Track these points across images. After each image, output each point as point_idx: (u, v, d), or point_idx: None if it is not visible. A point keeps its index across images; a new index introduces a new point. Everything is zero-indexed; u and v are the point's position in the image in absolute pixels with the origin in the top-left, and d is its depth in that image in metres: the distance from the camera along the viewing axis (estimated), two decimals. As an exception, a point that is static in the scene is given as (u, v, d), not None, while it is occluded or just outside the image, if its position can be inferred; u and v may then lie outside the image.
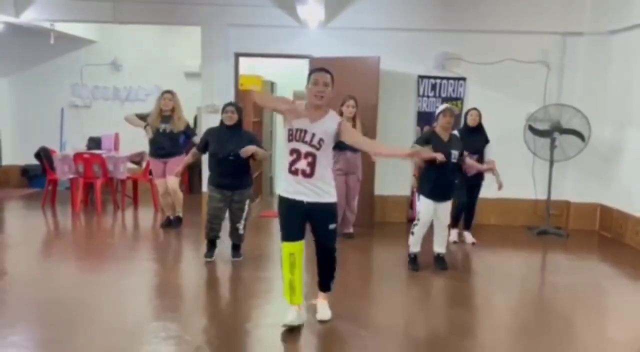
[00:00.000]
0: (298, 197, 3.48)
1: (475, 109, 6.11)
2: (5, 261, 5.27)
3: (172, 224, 6.47)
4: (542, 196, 6.89)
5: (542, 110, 6.65)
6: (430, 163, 4.77)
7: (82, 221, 6.95)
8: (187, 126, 6.31)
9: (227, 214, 5.13)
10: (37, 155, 7.91)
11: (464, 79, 6.97)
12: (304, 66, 7.05)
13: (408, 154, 3.74)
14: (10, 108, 9.03)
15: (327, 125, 3.47)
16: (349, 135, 3.56)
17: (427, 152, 4.21)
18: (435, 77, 6.96)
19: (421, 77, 6.96)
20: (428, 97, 6.99)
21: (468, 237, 6.20)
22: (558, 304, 4.44)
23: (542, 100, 6.87)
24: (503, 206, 7.05)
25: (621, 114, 6.55)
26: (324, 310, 3.76)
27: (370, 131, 6.52)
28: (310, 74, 3.51)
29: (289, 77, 8.69)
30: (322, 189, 3.48)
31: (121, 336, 3.48)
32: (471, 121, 5.99)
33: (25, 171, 8.97)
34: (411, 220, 6.53)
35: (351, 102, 5.92)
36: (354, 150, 5.98)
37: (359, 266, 5.40)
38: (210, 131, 5.12)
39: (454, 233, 6.13)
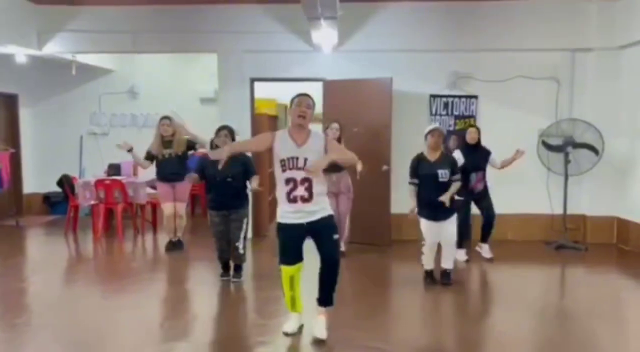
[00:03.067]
0: (298, 221, 3.62)
1: (473, 126, 6.22)
2: (31, 285, 5.39)
3: (176, 247, 6.61)
4: (558, 211, 6.92)
5: (554, 126, 6.73)
6: (421, 184, 4.96)
7: (104, 245, 7.07)
8: (188, 142, 6.49)
9: None
10: (60, 182, 8.09)
11: (475, 97, 7.09)
12: (317, 89, 7.22)
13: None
14: (31, 138, 9.25)
15: (315, 145, 3.63)
16: (335, 150, 3.72)
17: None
18: (447, 96, 7.09)
19: (433, 96, 7.09)
20: (441, 115, 7.10)
21: (485, 251, 6.19)
22: (580, 318, 4.46)
23: (554, 115, 6.95)
24: (519, 221, 7.09)
25: (633, 126, 6.61)
26: (321, 328, 3.77)
27: (385, 151, 6.66)
28: (293, 98, 3.68)
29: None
30: (318, 208, 3.64)
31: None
32: (470, 139, 6.07)
33: (46, 198, 9.15)
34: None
35: (335, 125, 6.05)
36: (338, 170, 6.10)
37: (373, 283, 5.45)
38: (206, 156, 5.26)
39: (462, 252, 6.04)
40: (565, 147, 6.63)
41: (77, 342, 3.84)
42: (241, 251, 5.15)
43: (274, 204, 8.41)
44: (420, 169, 4.95)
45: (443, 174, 4.90)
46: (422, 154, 5.04)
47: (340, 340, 3.83)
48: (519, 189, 7.05)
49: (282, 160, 3.58)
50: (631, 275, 5.79)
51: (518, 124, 7.03)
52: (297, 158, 3.55)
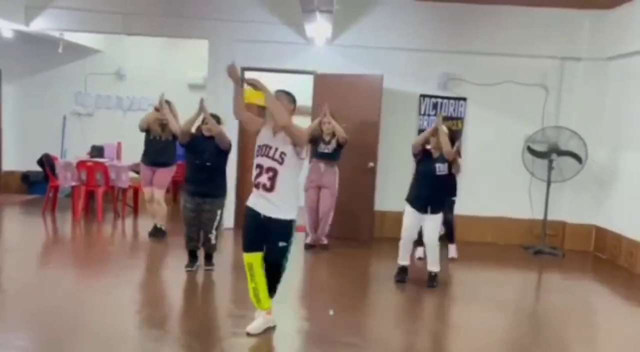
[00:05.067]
0: (257, 209, 3.69)
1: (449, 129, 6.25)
2: (5, 266, 5.30)
3: (157, 234, 6.42)
4: (539, 216, 7.00)
5: (540, 132, 6.80)
6: (418, 172, 5.12)
7: (82, 228, 6.97)
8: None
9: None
10: (40, 161, 7.94)
11: (464, 99, 7.12)
12: (307, 81, 7.19)
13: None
14: (13, 114, 9.06)
15: (284, 136, 3.68)
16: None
17: None
18: (436, 97, 7.11)
19: (423, 96, 7.11)
20: (429, 115, 7.12)
21: (451, 250, 6.22)
22: (552, 322, 4.53)
23: (540, 122, 7.02)
24: (499, 224, 7.16)
25: (616, 137, 6.71)
26: (256, 323, 3.78)
27: (371, 148, 6.69)
28: (278, 92, 3.86)
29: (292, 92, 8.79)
30: (280, 204, 3.65)
31: (113, 343, 3.55)
32: None
33: (25, 177, 8.98)
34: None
35: (326, 119, 6.12)
36: (328, 162, 6.13)
37: (352, 280, 5.46)
38: (193, 136, 5.20)
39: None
40: (549, 154, 6.70)
41: (50, 326, 3.78)
42: (213, 242, 5.13)
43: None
44: (424, 162, 5.10)
45: (440, 167, 5.06)
46: (427, 149, 5.15)
47: (315, 335, 3.84)
48: (501, 193, 7.13)
49: (259, 146, 3.73)
50: (605, 283, 5.90)
51: (505, 128, 7.09)
52: (269, 146, 3.68)
